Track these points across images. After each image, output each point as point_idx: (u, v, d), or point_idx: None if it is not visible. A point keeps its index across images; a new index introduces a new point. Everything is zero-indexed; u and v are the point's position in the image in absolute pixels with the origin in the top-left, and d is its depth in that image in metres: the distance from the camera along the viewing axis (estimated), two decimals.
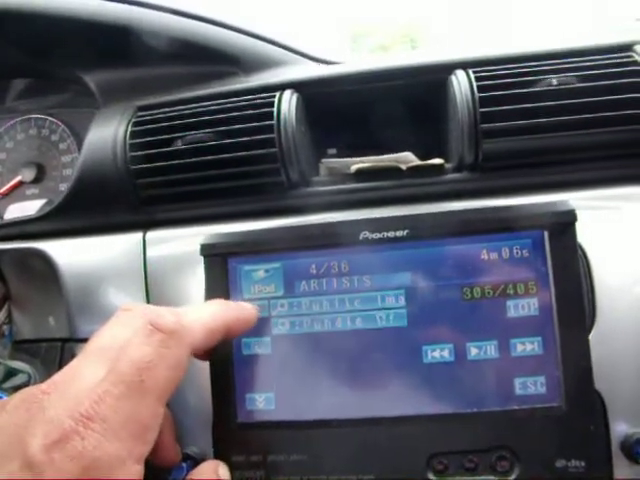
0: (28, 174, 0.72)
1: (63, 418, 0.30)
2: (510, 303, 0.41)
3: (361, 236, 0.43)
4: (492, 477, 0.40)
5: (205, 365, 0.43)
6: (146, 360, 0.32)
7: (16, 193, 0.74)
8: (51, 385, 0.33)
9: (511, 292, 0.41)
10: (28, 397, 0.33)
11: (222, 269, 0.44)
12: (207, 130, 0.55)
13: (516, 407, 0.40)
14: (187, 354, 0.34)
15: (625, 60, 0.52)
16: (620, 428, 0.44)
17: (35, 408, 0.31)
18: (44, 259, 0.59)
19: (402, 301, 0.42)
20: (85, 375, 0.33)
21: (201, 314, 0.37)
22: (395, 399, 0.42)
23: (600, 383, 0.43)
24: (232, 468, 0.41)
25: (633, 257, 0.47)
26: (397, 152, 0.55)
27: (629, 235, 0.48)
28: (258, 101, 0.56)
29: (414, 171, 0.53)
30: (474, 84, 0.52)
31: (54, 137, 0.74)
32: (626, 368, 0.45)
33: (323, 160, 0.59)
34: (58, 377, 0.34)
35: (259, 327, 0.43)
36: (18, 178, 0.73)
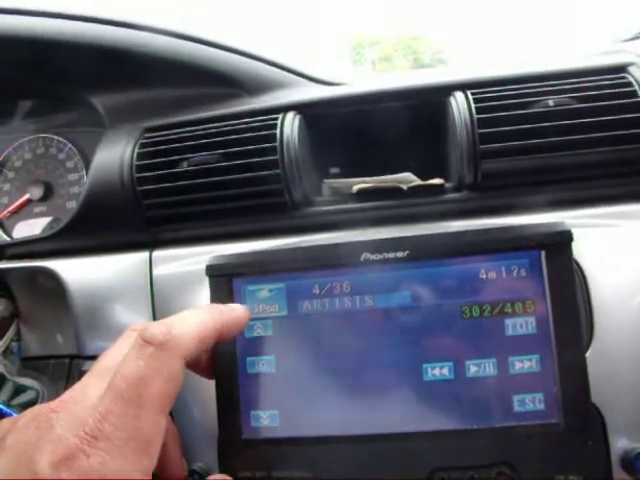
0: (36, 192, 0.73)
1: (69, 437, 0.30)
2: (508, 322, 0.42)
3: (362, 257, 0.44)
4: None
5: (210, 382, 0.44)
6: (140, 375, 0.32)
7: (24, 211, 0.75)
8: (60, 404, 0.34)
9: (509, 311, 0.42)
10: (38, 416, 0.33)
11: (227, 289, 0.45)
12: (212, 151, 0.57)
13: (515, 423, 0.41)
14: (180, 364, 0.34)
15: (620, 81, 0.53)
16: (620, 443, 0.44)
17: (44, 427, 0.32)
18: (52, 277, 0.60)
19: (403, 320, 0.43)
20: (90, 394, 0.34)
21: (191, 321, 0.37)
22: (397, 416, 0.42)
23: (599, 398, 0.44)
24: None
25: (630, 274, 0.48)
26: (398, 171, 0.56)
27: (626, 252, 0.49)
28: (261, 123, 0.57)
29: (415, 191, 0.54)
30: (472, 106, 0.53)
31: (61, 156, 0.75)
32: (625, 383, 0.46)
33: (326, 180, 0.60)
34: (66, 396, 0.35)
35: (263, 346, 0.44)
36: (26, 196, 0.74)
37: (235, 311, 0.41)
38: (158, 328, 0.35)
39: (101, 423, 0.31)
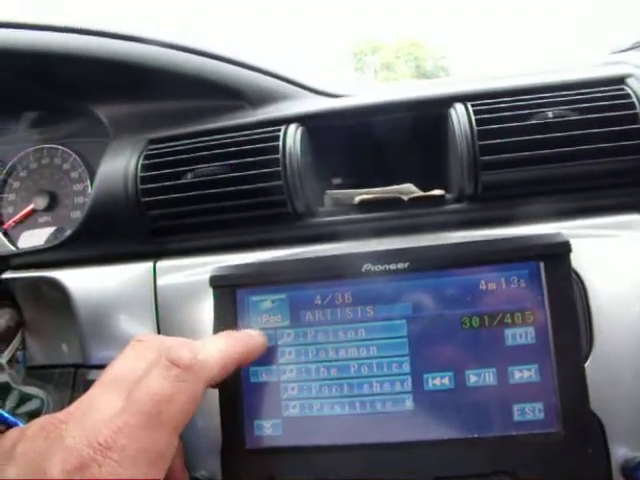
0: (41, 202, 0.74)
1: (81, 447, 0.31)
2: (508, 332, 0.42)
3: (364, 268, 0.44)
4: None
5: (214, 392, 0.45)
6: (164, 393, 0.33)
7: (29, 221, 0.75)
8: (68, 415, 0.34)
9: (509, 321, 0.42)
10: (46, 426, 0.34)
11: (231, 300, 0.46)
12: (216, 163, 0.57)
13: (515, 433, 0.41)
14: (202, 388, 0.36)
15: (618, 93, 0.53)
16: (620, 452, 0.45)
17: (53, 437, 0.33)
18: (57, 287, 0.60)
19: (404, 331, 0.43)
20: (102, 406, 0.34)
21: (214, 348, 0.39)
22: (398, 425, 0.43)
23: (599, 407, 0.44)
24: None
25: (629, 284, 0.48)
26: (399, 182, 0.56)
27: (625, 262, 0.49)
28: (264, 135, 0.57)
29: (416, 202, 0.54)
30: (472, 117, 0.53)
31: (66, 166, 0.75)
32: (625, 392, 0.46)
33: (328, 191, 0.61)
34: (74, 407, 0.35)
35: (266, 356, 0.45)
36: (31, 206, 0.74)
37: (254, 338, 0.43)
38: (185, 352, 0.36)
39: (116, 434, 0.31)
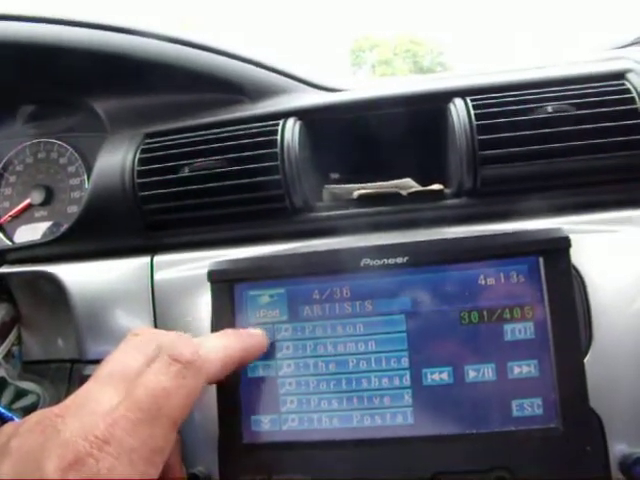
0: (37, 196, 0.73)
1: (78, 440, 0.31)
2: (507, 327, 0.42)
3: (362, 263, 0.44)
4: None
5: (212, 387, 0.45)
6: (164, 389, 0.33)
7: (26, 215, 0.75)
8: (64, 409, 0.34)
9: (508, 316, 0.42)
10: (42, 420, 0.33)
11: (229, 294, 0.46)
12: (213, 157, 0.57)
13: (514, 428, 0.41)
14: (202, 385, 0.36)
15: (618, 88, 0.53)
16: (619, 448, 0.44)
17: (49, 431, 0.32)
18: (54, 282, 0.60)
19: (402, 326, 0.43)
20: (98, 399, 0.34)
21: (217, 345, 0.39)
22: (397, 421, 0.43)
23: (598, 403, 0.44)
24: None
25: (629, 279, 0.48)
26: (398, 176, 0.56)
27: (624, 257, 0.49)
28: (262, 129, 0.57)
29: (414, 197, 0.54)
30: (472, 112, 0.53)
31: (62, 160, 0.75)
32: (624, 388, 0.45)
33: (326, 186, 0.60)
34: (70, 401, 0.35)
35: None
36: (27, 200, 0.74)
37: (256, 337, 0.43)
38: (186, 348, 0.36)
39: (113, 428, 0.31)
